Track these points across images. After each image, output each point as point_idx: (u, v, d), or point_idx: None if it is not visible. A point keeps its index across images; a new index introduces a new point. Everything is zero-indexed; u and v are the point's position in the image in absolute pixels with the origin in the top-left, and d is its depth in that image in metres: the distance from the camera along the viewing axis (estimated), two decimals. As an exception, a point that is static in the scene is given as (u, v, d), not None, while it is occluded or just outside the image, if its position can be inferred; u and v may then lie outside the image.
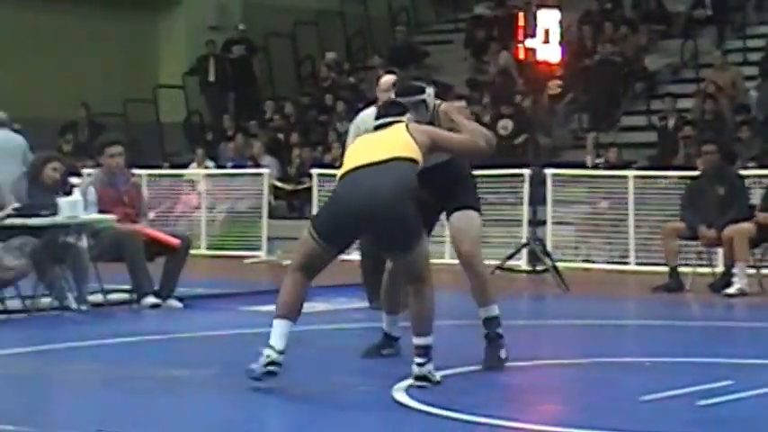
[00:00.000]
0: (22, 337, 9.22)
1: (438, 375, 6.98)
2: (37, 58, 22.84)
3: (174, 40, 24.85)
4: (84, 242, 10.81)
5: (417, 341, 6.99)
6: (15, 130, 16.50)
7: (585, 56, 20.64)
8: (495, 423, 5.95)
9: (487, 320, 7.75)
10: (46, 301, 10.60)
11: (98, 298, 10.91)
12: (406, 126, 7.24)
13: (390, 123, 7.28)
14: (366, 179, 6.97)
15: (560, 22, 14.72)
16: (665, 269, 13.15)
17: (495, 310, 7.77)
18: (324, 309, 10.81)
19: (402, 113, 7.36)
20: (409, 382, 6.96)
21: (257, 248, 17.69)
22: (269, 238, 17.59)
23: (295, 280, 7.01)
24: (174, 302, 10.98)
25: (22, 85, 22.41)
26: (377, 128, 7.38)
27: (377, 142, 7.24)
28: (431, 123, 7.53)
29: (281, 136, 21.35)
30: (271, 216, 18.04)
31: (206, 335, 9.40)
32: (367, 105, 12.10)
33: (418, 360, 6.95)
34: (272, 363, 6.75)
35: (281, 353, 6.78)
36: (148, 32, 24.84)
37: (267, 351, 6.77)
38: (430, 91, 7.64)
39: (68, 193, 10.78)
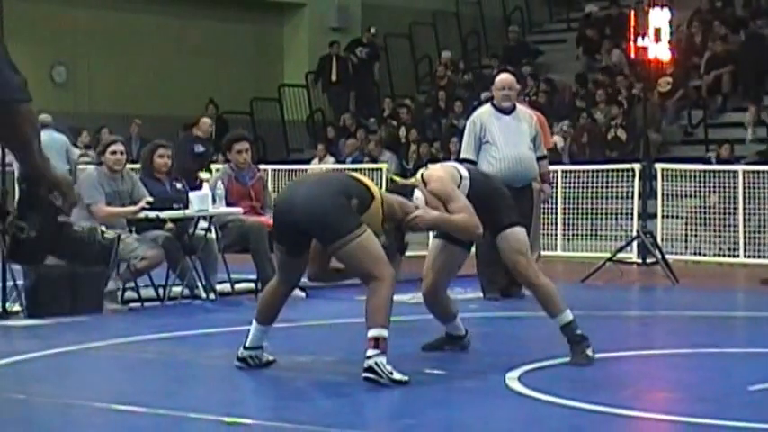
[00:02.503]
0: (155, 323, 9.36)
1: (397, 373, 6.44)
2: (167, 59, 23.20)
3: (297, 42, 25.05)
4: (212, 234, 10.96)
5: (368, 333, 6.50)
6: (57, 130, 17.38)
7: (695, 54, 20.38)
8: (607, 411, 5.92)
9: (564, 327, 7.31)
10: (177, 290, 10.77)
11: (226, 287, 11.06)
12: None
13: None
14: (290, 188, 7.10)
15: (671, 21, 14.56)
16: (774, 262, 12.94)
17: (568, 316, 7.28)
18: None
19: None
20: (522, 369, 6.95)
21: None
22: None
23: (270, 287, 7.18)
24: (297, 292, 11.06)
25: (153, 84, 22.80)
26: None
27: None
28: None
29: (402, 131, 21.40)
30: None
31: (327, 323, 9.47)
32: (482, 103, 12.11)
33: (368, 352, 6.47)
34: (237, 358, 7.05)
35: (246, 348, 7.05)
36: (274, 34, 25.08)
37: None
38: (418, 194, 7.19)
39: (198, 188, 10.94)
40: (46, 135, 17.18)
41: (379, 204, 6.85)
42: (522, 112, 10.83)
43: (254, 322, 7.10)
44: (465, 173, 7.41)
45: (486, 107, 10.81)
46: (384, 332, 6.49)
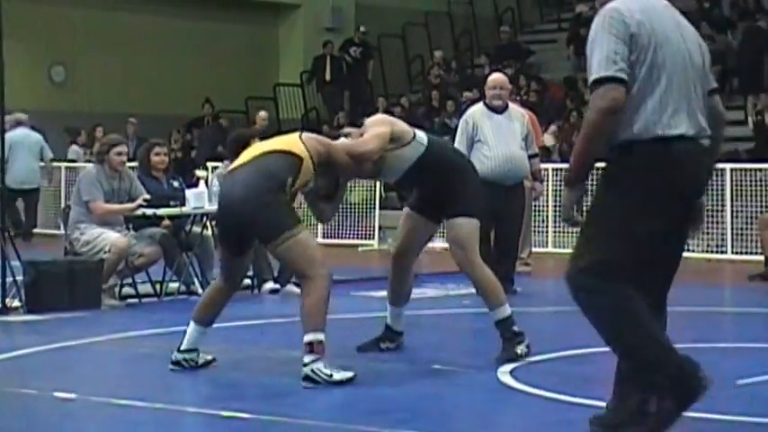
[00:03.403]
0: (152, 319, 9.35)
1: (337, 373, 6.40)
2: (164, 59, 23.18)
3: (292, 42, 25.05)
4: (209, 231, 10.95)
5: (304, 338, 6.45)
6: (33, 128, 17.38)
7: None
8: (597, 405, 5.91)
9: (499, 322, 7.24)
10: (174, 285, 10.77)
11: (222, 283, 11.03)
12: (302, 133, 7.00)
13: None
14: (226, 184, 6.89)
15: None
16: (761, 258, 12.94)
17: (505, 311, 7.24)
18: (434, 294, 10.83)
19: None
20: (514, 364, 6.95)
21: (370, 237, 17.75)
22: (380, 228, 17.64)
23: (213, 287, 7.15)
24: (292, 288, 11.06)
25: (150, 83, 22.78)
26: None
27: (258, 144, 6.97)
28: None
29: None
30: (382, 207, 18.09)
31: (322, 318, 9.45)
32: (475, 101, 12.09)
33: (304, 359, 6.42)
34: (171, 362, 6.95)
35: (181, 351, 6.95)
36: (269, 34, 25.07)
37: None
38: None
39: (194, 185, 10.94)
40: (21, 133, 17.21)
41: (308, 160, 6.74)
42: (515, 110, 10.83)
43: (191, 323, 7.00)
44: (424, 139, 7.22)
45: (479, 106, 10.81)
46: (320, 335, 6.44)
